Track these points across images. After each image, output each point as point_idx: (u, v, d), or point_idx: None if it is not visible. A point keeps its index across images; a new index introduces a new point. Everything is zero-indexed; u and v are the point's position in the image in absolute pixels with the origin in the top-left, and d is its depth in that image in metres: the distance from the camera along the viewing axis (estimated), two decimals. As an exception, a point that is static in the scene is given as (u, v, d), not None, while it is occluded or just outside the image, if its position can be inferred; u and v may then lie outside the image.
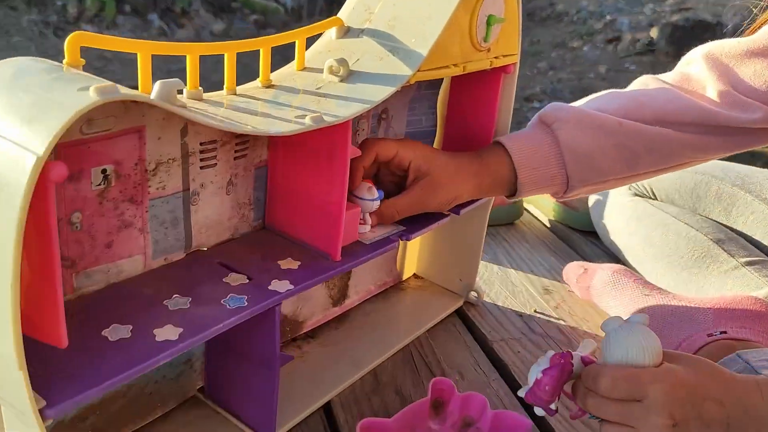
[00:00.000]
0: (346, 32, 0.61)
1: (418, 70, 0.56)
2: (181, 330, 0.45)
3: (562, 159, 0.67)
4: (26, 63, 0.39)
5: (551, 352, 0.50)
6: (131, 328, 0.45)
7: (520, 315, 0.81)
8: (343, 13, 0.62)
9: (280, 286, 0.52)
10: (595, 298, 0.82)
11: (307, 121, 0.48)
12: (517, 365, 0.71)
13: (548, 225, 1.10)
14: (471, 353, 0.73)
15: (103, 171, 0.46)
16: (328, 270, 0.56)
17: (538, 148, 0.67)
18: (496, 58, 0.66)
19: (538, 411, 0.50)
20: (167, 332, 0.45)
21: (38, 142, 0.32)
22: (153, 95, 0.42)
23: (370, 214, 0.62)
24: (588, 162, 0.67)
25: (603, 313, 0.82)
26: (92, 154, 0.45)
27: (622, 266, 0.83)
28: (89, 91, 0.34)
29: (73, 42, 0.41)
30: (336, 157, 0.54)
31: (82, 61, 0.42)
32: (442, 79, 0.74)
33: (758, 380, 0.49)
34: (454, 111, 0.75)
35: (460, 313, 0.80)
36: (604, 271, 0.82)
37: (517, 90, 0.72)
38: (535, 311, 0.82)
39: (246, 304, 0.49)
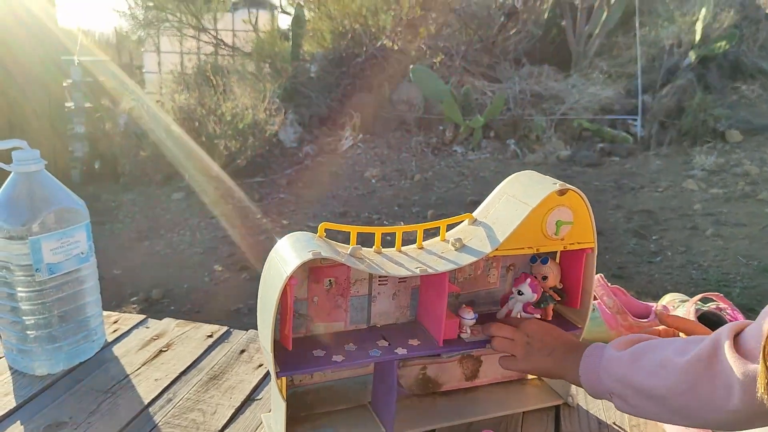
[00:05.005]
0: (473, 221, 1.08)
1: (496, 249, 1.00)
2: (343, 359, 0.98)
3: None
4: (298, 236, 0.98)
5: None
6: (324, 353, 1.00)
7: (599, 422, 1.12)
8: (477, 210, 1.10)
9: (401, 351, 1.01)
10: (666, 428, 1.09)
11: (417, 271, 0.97)
12: (570, 452, 1.05)
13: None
14: (543, 437, 1.09)
15: (329, 280, 1.03)
16: (431, 349, 1.03)
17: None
18: (571, 243, 1.05)
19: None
20: (338, 358, 0.99)
21: (288, 269, 0.90)
22: (349, 250, 0.98)
23: (470, 327, 1.06)
24: None
25: (669, 438, 1.07)
26: (324, 272, 1.03)
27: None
28: (309, 253, 0.90)
29: (321, 227, 0.99)
30: (438, 290, 1.02)
31: (323, 234, 0.99)
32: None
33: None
34: (563, 272, 1.14)
35: (557, 411, 1.16)
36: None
37: None
38: (614, 423, 1.12)
39: (378, 355, 1.00)
